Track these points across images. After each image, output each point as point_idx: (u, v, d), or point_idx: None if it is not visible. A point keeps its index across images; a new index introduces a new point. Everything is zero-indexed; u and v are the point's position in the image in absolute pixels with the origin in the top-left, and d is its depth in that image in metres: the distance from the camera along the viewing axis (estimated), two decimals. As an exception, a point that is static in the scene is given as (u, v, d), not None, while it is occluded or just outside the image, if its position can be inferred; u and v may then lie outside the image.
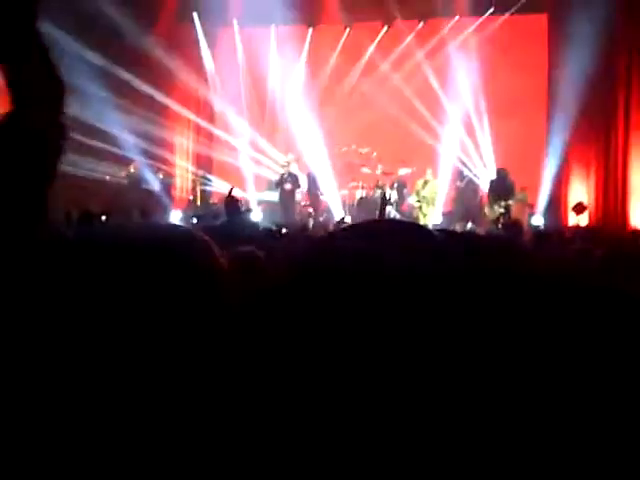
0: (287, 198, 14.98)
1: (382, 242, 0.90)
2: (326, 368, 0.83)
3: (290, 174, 15.14)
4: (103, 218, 9.67)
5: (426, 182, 14.74)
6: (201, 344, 1.01)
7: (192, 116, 17.07)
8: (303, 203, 15.79)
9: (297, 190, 15.23)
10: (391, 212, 14.14)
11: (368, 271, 0.85)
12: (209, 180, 16.76)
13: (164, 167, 16.05)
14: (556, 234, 9.22)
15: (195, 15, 16.82)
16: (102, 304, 0.97)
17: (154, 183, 15.30)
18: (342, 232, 0.97)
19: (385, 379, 0.81)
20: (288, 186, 14.92)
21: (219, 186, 16.56)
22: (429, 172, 15.05)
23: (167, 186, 15.80)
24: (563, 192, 15.20)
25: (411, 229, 0.95)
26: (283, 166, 15.37)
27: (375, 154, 15.68)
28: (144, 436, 0.94)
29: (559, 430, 0.83)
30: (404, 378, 0.81)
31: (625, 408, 0.84)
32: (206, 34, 17.33)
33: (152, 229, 1.20)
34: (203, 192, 16.08)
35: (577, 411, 0.84)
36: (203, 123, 17.24)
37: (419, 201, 14.65)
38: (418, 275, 0.85)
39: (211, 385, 0.99)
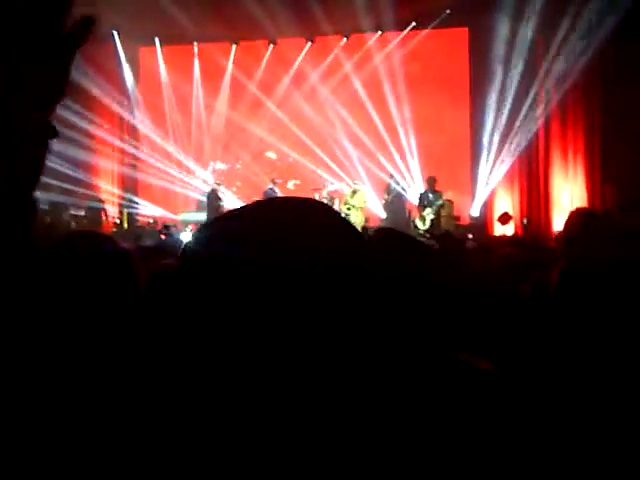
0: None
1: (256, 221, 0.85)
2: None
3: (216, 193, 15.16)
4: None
5: (355, 191, 14.86)
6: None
7: (116, 138, 16.85)
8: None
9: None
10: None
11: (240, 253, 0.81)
12: (135, 203, 16.53)
13: (90, 191, 15.83)
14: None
15: (115, 33, 16.58)
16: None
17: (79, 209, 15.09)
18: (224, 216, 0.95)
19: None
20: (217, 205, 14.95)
21: (146, 208, 16.43)
22: (357, 182, 15.21)
23: (97, 211, 15.51)
24: (489, 203, 15.44)
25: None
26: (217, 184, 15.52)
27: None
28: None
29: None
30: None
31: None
32: (127, 53, 17.11)
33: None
34: (129, 215, 15.83)
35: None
36: (127, 145, 17.02)
37: (348, 209, 14.69)
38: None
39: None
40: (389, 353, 0.85)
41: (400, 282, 2.04)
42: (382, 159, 16.13)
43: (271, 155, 16.75)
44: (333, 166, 16.38)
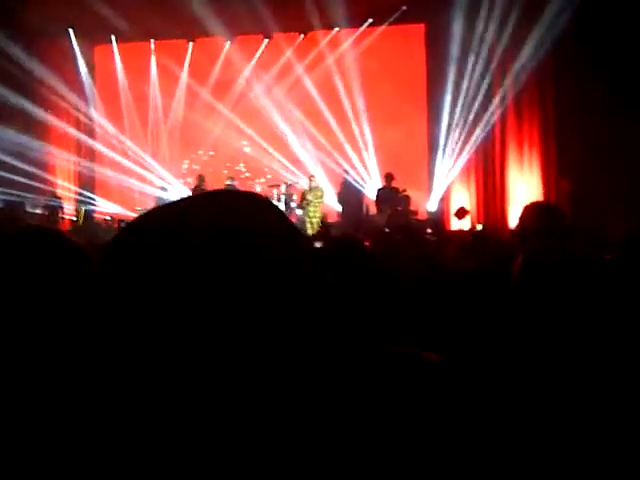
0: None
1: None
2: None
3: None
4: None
5: (312, 188, 14.81)
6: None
7: (73, 135, 16.71)
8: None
9: None
10: None
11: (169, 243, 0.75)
12: (92, 199, 16.37)
13: (47, 189, 15.67)
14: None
15: (71, 31, 16.36)
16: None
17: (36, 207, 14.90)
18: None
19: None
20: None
21: (103, 205, 16.29)
22: (314, 179, 15.15)
23: (55, 209, 15.27)
24: (445, 198, 15.57)
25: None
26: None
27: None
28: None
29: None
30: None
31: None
32: (83, 50, 16.91)
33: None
34: (86, 212, 15.64)
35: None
36: (84, 142, 16.85)
37: (307, 204, 14.66)
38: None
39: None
40: (331, 350, 0.80)
41: (347, 278, 2.05)
42: (339, 155, 16.14)
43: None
44: (301, 158, 16.35)
